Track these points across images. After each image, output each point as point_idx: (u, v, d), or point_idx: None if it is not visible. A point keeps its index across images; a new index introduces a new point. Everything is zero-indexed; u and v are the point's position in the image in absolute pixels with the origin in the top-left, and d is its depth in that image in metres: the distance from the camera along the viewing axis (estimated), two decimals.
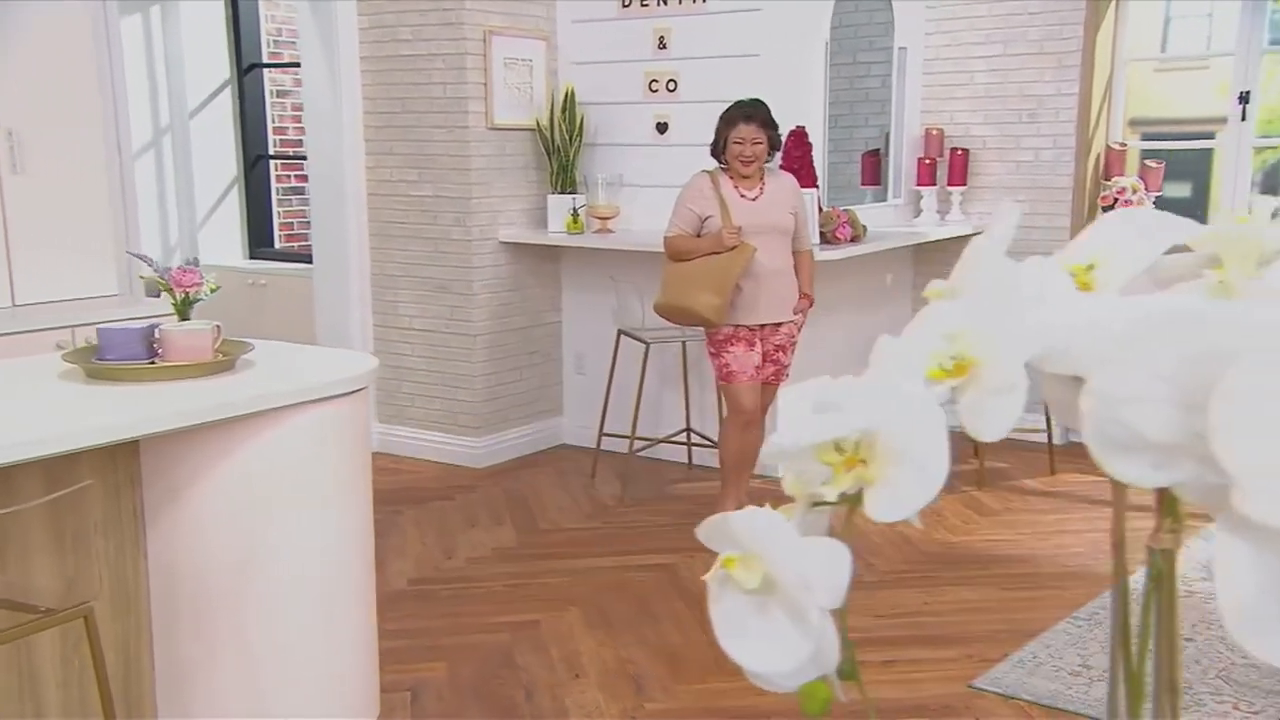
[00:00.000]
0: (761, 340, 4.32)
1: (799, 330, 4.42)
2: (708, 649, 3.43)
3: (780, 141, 4.40)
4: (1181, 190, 6.29)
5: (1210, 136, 6.50)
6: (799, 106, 5.05)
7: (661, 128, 5.45)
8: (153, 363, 2.55)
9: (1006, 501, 4.85)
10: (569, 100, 5.48)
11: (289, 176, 7.12)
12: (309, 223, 7.17)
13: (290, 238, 7.09)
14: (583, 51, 5.58)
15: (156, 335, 2.58)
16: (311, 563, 2.52)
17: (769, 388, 4.37)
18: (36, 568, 2.32)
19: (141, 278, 2.82)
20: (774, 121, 4.32)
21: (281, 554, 2.48)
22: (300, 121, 7.14)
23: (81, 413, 2.27)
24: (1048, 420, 5.34)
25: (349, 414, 2.57)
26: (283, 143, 7.07)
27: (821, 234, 4.91)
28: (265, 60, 6.95)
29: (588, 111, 5.55)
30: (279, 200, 7.06)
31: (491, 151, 5.36)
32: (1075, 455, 5.51)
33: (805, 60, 5.17)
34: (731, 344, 4.30)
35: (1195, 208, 6.41)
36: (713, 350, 4.36)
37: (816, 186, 5.01)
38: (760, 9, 5.13)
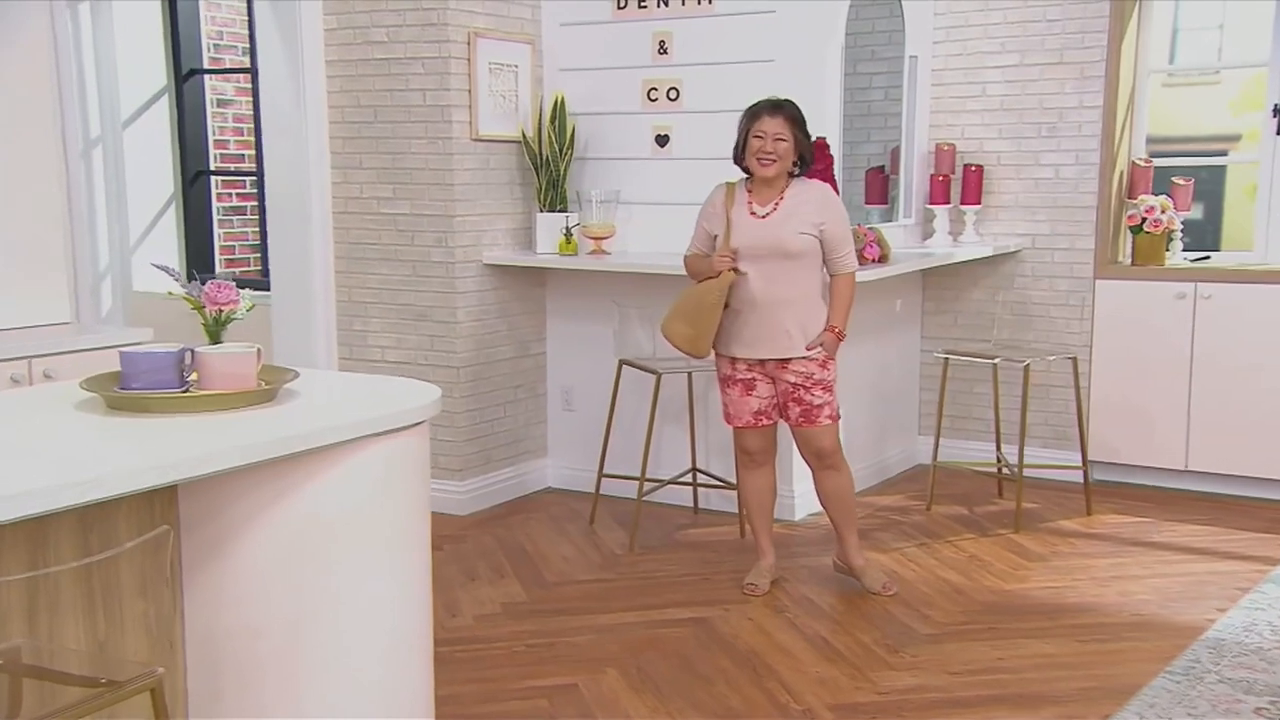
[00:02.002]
0: (773, 379, 4.16)
1: (825, 368, 4.12)
2: (773, 713, 3.31)
3: (810, 152, 4.17)
4: (1193, 211, 6.33)
5: (1222, 154, 6.60)
6: (817, 117, 4.97)
7: (662, 140, 5.38)
8: (186, 391, 2.37)
9: (1049, 545, 4.81)
10: (558, 110, 5.38)
11: (230, 195, 6.90)
12: (254, 246, 6.98)
13: (232, 262, 6.87)
14: (572, 57, 5.49)
15: (187, 360, 2.41)
16: (372, 622, 2.36)
17: (801, 431, 4.16)
18: (66, 631, 2.12)
19: (170, 294, 2.65)
20: (804, 125, 4.11)
21: (340, 612, 2.31)
22: (244, 134, 6.95)
23: (115, 451, 2.09)
24: (1083, 457, 5.33)
25: (414, 449, 2.41)
26: (224, 157, 6.86)
27: None
28: (205, 66, 6.75)
29: (578, 122, 5.45)
30: (220, 220, 6.84)
31: (476, 165, 5.23)
32: (1110, 494, 5.51)
33: (822, 66, 5.14)
34: (729, 385, 4.21)
35: (1208, 230, 6.47)
36: (718, 384, 4.31)
37: None
38: (774, 10, 5.09)
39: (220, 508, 2.28)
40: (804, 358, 4.09)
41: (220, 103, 6.86)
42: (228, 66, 6.92)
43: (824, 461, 4.22)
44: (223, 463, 2.02)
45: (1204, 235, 6.28)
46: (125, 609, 2.26)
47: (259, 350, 2.44)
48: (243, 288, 6.48)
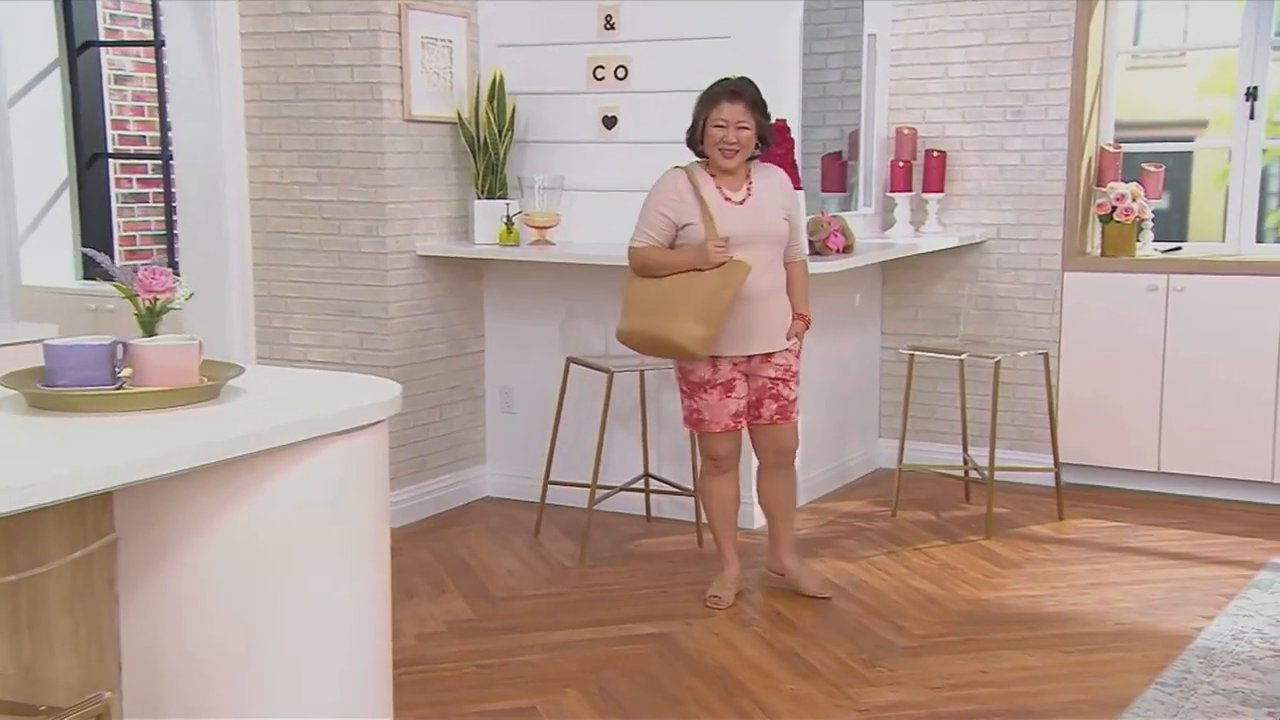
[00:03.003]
0: (750, 376, 4.15)
1: (797, 357, 4.25)
2: None
3: (770, 133, 4.19)
4: (1158, 200, 6.41)
5: (1188, 140, 6.71)
6: (775, 98, 4.95)
7: (609, 122, 5.33)
8: (119, 388, 2.29)
9: (1022, 551, 4.85)
10: (496, 88, 5.31)
11: (130, 180, 6.74)
12: (157, 236, 6.82)
13: (133, 254, 6.71)
14: (511, 32, 5.43)
15: (120, 354, 2.32)
16: (331, 639, 2.29)
17: (775, 428, 4.20)
18: None
19: (101, 279, 2.52)
20: (765, 106, 4.12)
21: (295, 628, 2.24)
22: (145, 114, 6.79)
23: (48, 454, 2.00)
24: (1055, 459, 5.38)
25: (374, 449, 2.35)
26: (123, 139, 6.70)
27: (810, 244, 4.85)
28: (102, 38, 6.58)
29: (518, 102, 5.39)
30: (119, 209, 6.67)
31: (408, 148, 5.15)
32: (1080, 498, 5.57)
33: (780, 43, 5.14)
34: (707, 390, 4.12)
35: (1174, 220, 6.56)
36: (685, 390, 4.18)
37: (800, 189, 4.96)
38: None
39: (160, 515, 2.20)
40: (785, 349, 4.15)
41: (119, 79, 6.69)
42: (127, 39, 6.75)
43: (784, 459, 4.28)
44: (174, 465, 1.94)
45: (1170, 225, 6.36)
46: (53, 628, 2.17)
47: (200, 343, 2.36)
48: None
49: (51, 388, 2.26)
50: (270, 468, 2.18)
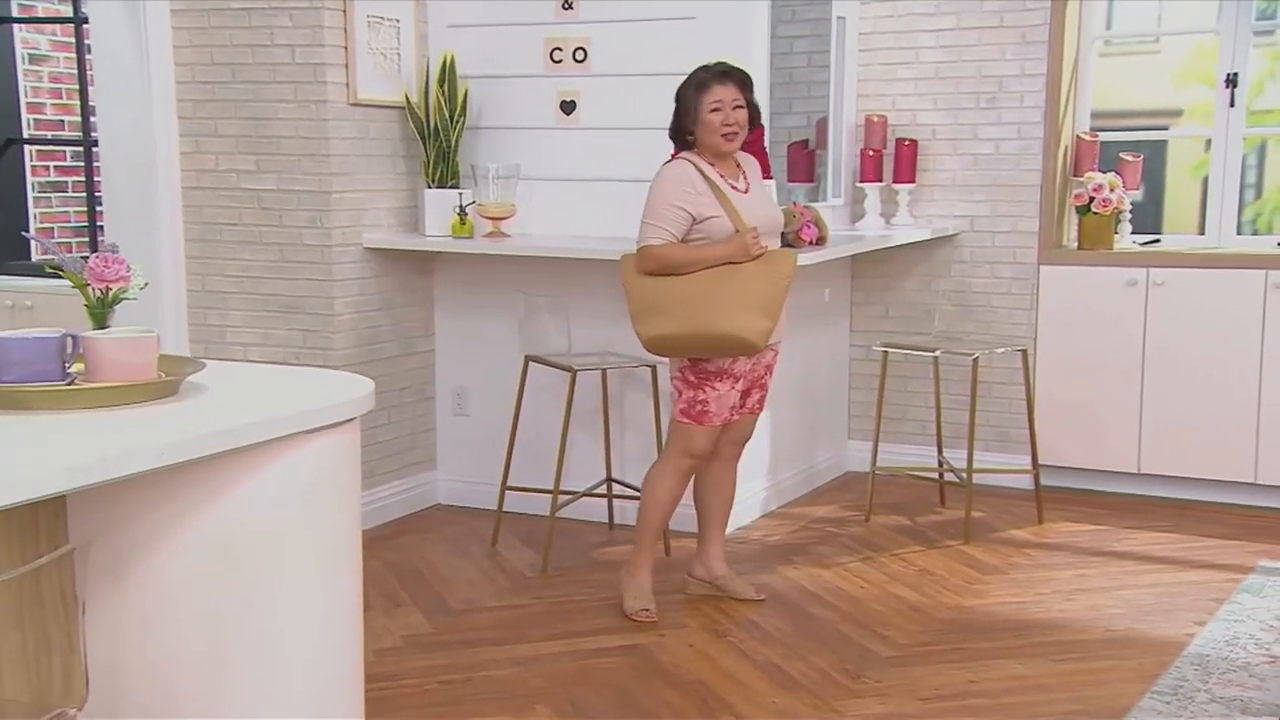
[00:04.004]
0: (751, 367, 4.18)
1: None
2: None
3: (758, 113, 4.21)
4: (1136, 191, 6.48)
5: (1163, 129, 6.80)
6: None
7: (567, 107, 5.30)
8: (71, 383, 2.23)
9: (1003, 556, 4.88)
10: (447, 71, 5.27)
11: (48, 168, 6.62)
12: (78, 229, 6.71)
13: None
14: (463, 12, 5.38)
15: (69, 348, 2.26)
16: (303, 651, 2.24)
17: (749, 418, 4.29)
18: None
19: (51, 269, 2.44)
20: (752, 85, 4.13)
21: (262, 642, 2.20)
22: (63, 97, 6.67)
23: (3, 453, 1.94)
24: (1034, 460, 5.42)
25: (346, 448, 2.32)
26: (39, 123, 6.58)
27: (781, 235, 4.84)
28: (14, 14, 6.46)
29: (471, 86, 5.35)
30: (36, 199, 6.55)
31: (354, 134, 5.09)
32: (1058, 501, 5.61)
33: (748, 25, 5.13)
34: (721, 379, 4.08)
35: (1149, 211, 6.63)
36: (693, 380, 4.08)
37: (771, 177, 4.97)
38: None
39: (121, 520, 2.14)
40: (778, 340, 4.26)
41: (34, 58, 6.57)
42: (41, 15, 6.63)
43: (741, 449, 4.41)
44: (139, 464, 1.89)
45: (1144, 217, 6.43)
46: (2, 645, 2.11)
47: (158, 335, 2.30)
48: (60, 278, 6.23)
49: None
50: (239, 469, 2.13)
